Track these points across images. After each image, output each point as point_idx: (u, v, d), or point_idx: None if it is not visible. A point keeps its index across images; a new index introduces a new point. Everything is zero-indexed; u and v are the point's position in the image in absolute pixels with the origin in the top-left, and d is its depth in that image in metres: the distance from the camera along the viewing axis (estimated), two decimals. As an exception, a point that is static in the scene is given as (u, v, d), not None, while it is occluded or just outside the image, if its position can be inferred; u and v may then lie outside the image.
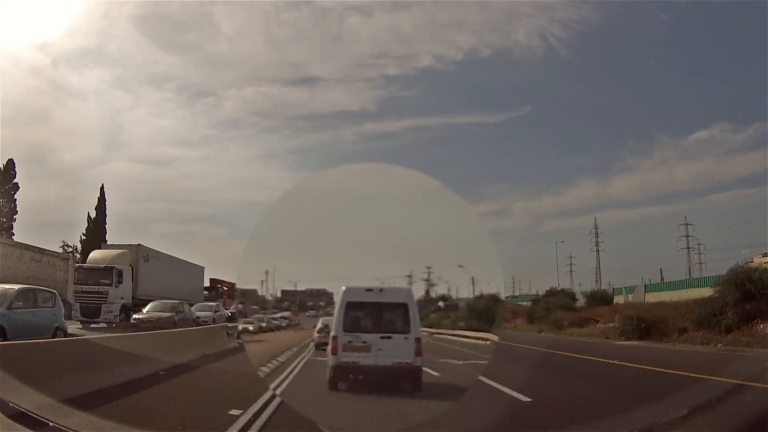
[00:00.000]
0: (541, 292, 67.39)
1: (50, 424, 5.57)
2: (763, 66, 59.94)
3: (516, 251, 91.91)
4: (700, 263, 62.23)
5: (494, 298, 39.79)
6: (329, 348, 10.89)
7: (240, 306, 45.17)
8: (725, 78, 75.86)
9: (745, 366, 14.68)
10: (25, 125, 67.93)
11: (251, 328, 33.30)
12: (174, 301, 24.95)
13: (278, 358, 16.74)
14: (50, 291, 16.63)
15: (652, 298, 43.16)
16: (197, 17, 74.86)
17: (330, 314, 19.83)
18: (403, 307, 10.85)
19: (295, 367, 15.01)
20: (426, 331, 32.42)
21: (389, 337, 10.57)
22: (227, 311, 37.21)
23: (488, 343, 28.01)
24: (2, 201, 44.82)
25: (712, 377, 11.82)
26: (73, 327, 25.13)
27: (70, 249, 51.12)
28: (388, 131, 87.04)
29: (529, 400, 9.64)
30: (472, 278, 37.63)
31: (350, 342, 10.52)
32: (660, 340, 25.38)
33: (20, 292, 15.10)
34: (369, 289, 11.02)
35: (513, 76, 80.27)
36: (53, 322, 15.45)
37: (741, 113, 76.52)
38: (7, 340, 12.51)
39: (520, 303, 62.64)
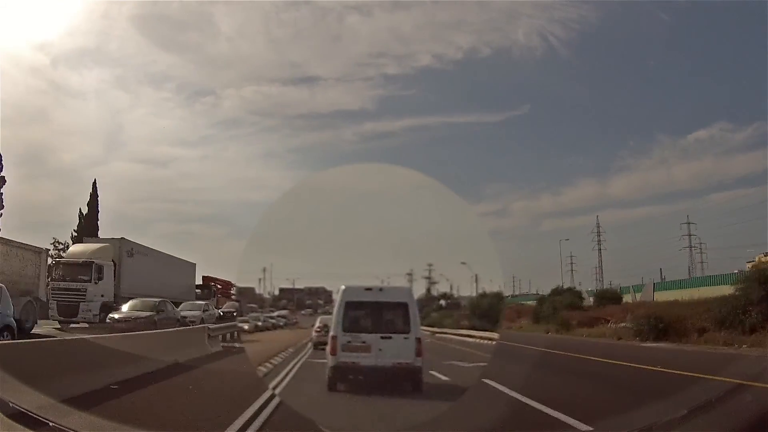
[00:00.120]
0: (542, 292, 66.76)
1: (50, 423, 5.51)
2: (762, 66, 60.97)
3: (515, 251, 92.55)
4: (702, 262, 62.11)
5: (498, 297, 38.65)
6: (328, 348, 10.74)
7: (236, 305, 43.64)
8: (725, 78, 76.65)
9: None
10: (24, 125, 68.60)
11: (247, 327, 31.87)
12: (155, 300, 23.08)
13: (272, 361, 15.70)
14: None
15: (659, 297, 42.23)
16: (197, 17, 75.73)
17: (328, 313, 19.57)
18: (403, 307, 10.70)
19: (289, 371, 13.83)
20: (427, 331, 31.32)
21: (389, 337, 10.43)
22: (218, 311, 35.67)
23: (494, 343, 26.50)
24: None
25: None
26: (47, 327, 23.57)
27: (61, 246, 49.76)
28: (388, 131, 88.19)
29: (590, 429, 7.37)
30: (475, 276, 36.21)
31: (349, 342, 10.39)
32: (679, 341, 24.15)
33: None
34: (369, 289, 10.91)
35: (512, 75, 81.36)
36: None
37: (740, 113, 77.99)
38: None
39: (523, 302, 61.46)
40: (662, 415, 7.06)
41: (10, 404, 5.74)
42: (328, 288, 44.28)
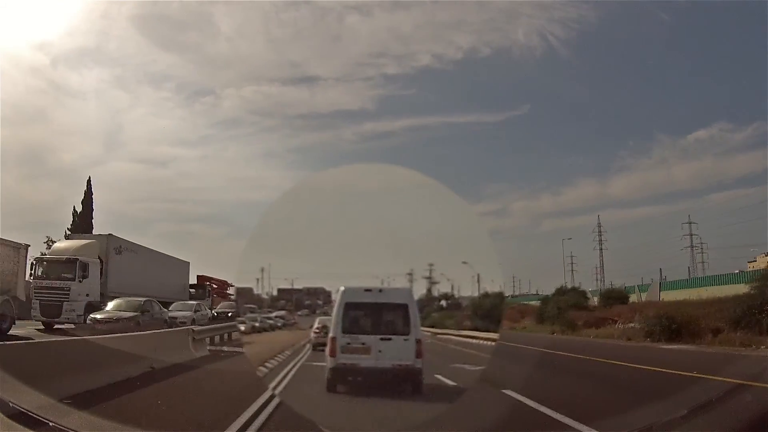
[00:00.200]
0: (542, 292, 66.05)
1: (50, 423, 5.53)
2: (762, 66, 60.86)
3: (515, 251, 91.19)
4: (703, 262, 62.06)
5: (500, 297, 37.61)
6: (327, 350, 10.65)
7: (233, 305, 42.58)
8: (725, 78, 76.09)
9: None
10: (24, 125, 68.27)
11: (243, 328, 30.64)
12: (140, 299, 21.80)
13: (266, 364, 15.00)
14: None
15: (663, 297, 41.57)
16: (196, 17, 75.11)
17: (327, 314, 19.48)
18: (403, 308, 10.61)
19: (284, 375, 13.04)
20: (428, 332, 30.23)
21: (389, 339, 10.36)
22: (213, 311, 34.58)
23: (493, 344, 25.34)
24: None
25: None
26: (29, 328, 22.35)
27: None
28: (388, 130, 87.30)
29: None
30: (477, 275, 35.13)
31: (349, 344, 10.32)
32: (692, 342, 23.07)
33: None
34: (368, 290, 10.84)
35: (512, 75, 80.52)
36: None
37: (740, 112, 77.56)
38: None
39: (526, 302, 60.54)
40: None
41: (10, 404, 5.76)
42: (327, 288, 43.46)
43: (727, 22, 68.63)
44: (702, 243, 62.43)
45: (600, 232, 68.50)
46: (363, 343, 10.28)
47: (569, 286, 53.84)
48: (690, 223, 62.13)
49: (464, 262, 31.82)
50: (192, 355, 14.32)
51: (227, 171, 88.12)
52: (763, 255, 56.89)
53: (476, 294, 37.22)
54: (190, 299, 33.79)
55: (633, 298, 43.92)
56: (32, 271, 24.18)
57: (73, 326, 23.00)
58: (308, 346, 21.13)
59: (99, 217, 50.13)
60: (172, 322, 22.50)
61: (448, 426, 7.78)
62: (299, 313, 50.12)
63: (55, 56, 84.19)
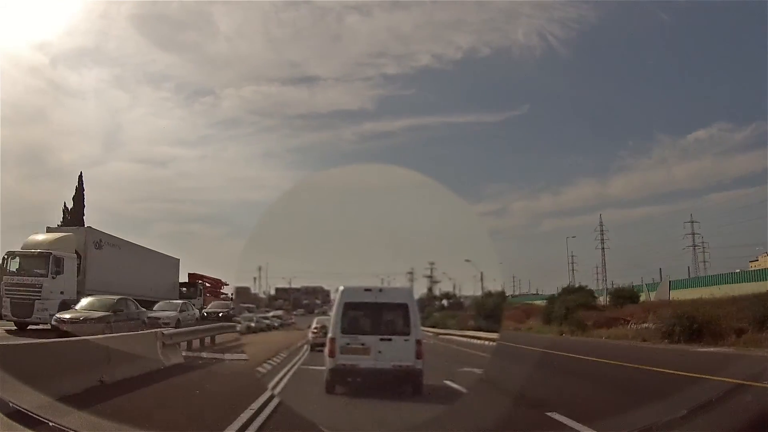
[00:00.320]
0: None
1: (50, 423, 5.46)
2: (762, 66, 60.45)
3: (515, 250, 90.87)
4: (705, 262, 60.51)
5: (503, 296, 36.21)
6: (326, 350, 10.54)
7: (227, 304, 41.07)
8: (725, 78, 75.67)
9: None
10: (23, 125, 68.08)
11: (238, 328, 28.98)
12: (113, 297, 20.00)
13: (259, 369, 14.05)
14: None
15: (674, 295, 39.88)
16: (196, 17, 75.17)
17: (326, 313, 19.46)
18: (403, 308, 10.51)
19: (280, 379, 12.27)
20: (430, 332, 28.80)
21: (389, 339, 10.29)
22: (202, 311, 32.90)
23: (494, 344, 23.88)
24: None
25: None
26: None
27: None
28: (387, 130, 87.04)
29: None
30: (481, 274, 33.55)
31: (348, 344, 10.23)
32: (715, 344, 21.69)
33: None
34: (368, 289, 10.73)
35: (512, 75, 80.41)
36: None
37: (740, 112, 77.42)
38: None
39: (530, 302, 59.00)
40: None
41: (10, 404, 5.76)
42: (326, 287, 42.24)
43: (726, 22, 68.37)
44: (704, 242, 61.18)
45: (602, 231, 66.94)
46: (362, 344, 10.20)
47: (572, 285, 52.42)
48: (692, 222, 60.89)
49: (467, 261, 30.41)
50: (160, 364, 12.07)
51: (227, 171, 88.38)
52: (765, 254, 55.86)
53: (478, 293, 35.72)
54: (180, 298, 32.07)
55: (642, 297, 42.45)
56: (4, 267, 22.53)
57: (48, 327, 21.32)
58: (306, 347, 20.19)
59: (99, 217, 49.53)
60: (153, 323, 20.68)
61: (448, 425, 7.75)
62: (295, 312, 48.70)
63: (55, 56, 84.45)
